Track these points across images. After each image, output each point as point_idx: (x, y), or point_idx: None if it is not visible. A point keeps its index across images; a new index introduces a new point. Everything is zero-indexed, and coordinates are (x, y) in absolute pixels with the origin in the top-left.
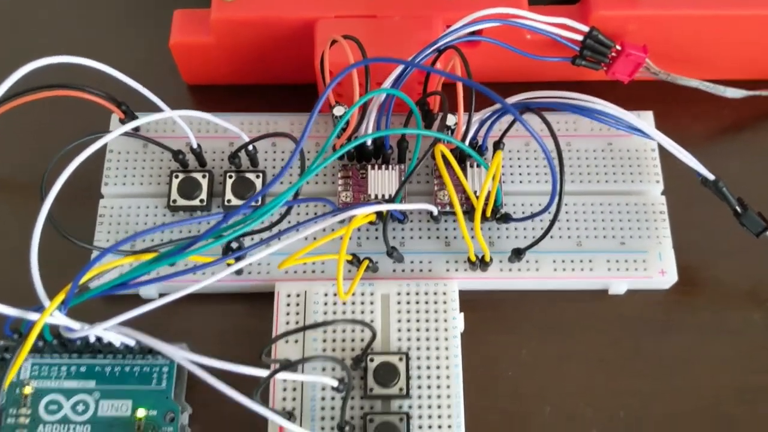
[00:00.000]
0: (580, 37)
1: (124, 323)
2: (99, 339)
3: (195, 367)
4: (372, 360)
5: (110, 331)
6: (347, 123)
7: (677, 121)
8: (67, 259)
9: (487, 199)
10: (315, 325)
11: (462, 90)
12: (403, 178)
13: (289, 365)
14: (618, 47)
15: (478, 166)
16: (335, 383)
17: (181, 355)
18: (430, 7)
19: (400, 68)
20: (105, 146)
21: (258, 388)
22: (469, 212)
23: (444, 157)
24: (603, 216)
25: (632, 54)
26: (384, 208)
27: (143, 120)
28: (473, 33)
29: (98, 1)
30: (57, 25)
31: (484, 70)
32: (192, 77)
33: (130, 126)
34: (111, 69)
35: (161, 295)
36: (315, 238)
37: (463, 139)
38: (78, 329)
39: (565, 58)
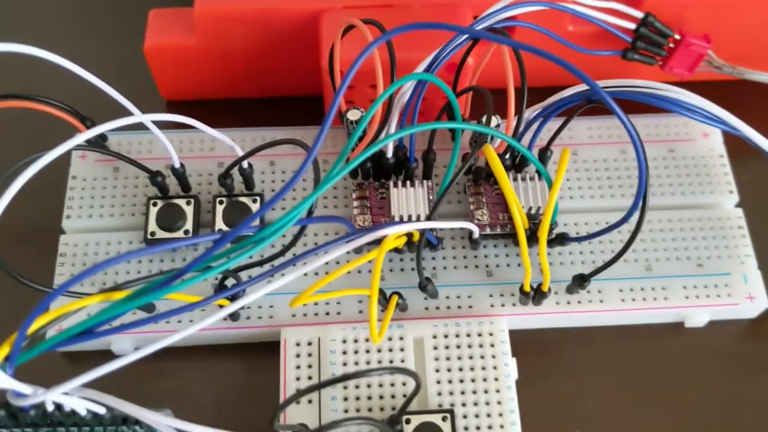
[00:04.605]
0: (632, 26)
1: (91, 385)
2: (59, 407)
3: None
4: (408, 422)
5: (73, 396)
6: (364, 132)
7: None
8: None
9: (542, 216)
10: (344, 378)
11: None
12: (434, 196)
13: None
14: (677, 36)
15: (523, 179)
16: None
17: (165, 423)
18: None
19: (431, 56)
20: (66, 174)
21: None
22: (513, 235)
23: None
24: (673, 234)
25: (693, 44)
26: (423, 226)
27: (107, 126)
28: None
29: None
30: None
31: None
32: (171, 91)
33: (85, 136)
34: (75, 66)
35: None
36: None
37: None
38: (30, 394)
39: (616, 52)
